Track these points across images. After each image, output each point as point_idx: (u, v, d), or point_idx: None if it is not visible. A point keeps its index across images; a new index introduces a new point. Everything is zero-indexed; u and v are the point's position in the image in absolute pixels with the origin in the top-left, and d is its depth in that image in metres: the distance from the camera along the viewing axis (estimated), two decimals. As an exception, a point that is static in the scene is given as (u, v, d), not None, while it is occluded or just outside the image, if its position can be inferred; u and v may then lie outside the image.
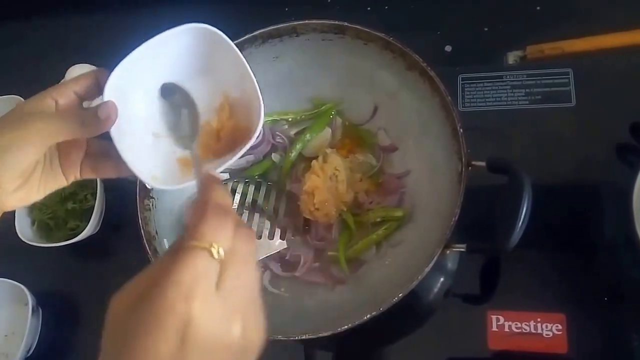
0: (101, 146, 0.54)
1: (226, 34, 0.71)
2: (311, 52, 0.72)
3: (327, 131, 0.75)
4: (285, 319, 0.65)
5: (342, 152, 0.73)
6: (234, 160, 0.50)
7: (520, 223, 0.53)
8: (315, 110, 0.75)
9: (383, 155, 0.72)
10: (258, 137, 0.76)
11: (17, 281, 0.80)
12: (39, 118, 0.49)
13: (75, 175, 0.55)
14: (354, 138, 0.74)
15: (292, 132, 0.77)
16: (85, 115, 0.49)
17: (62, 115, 0.50)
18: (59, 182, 0.54)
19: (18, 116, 0.49)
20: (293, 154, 0.74)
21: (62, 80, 0.89)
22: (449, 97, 0.62)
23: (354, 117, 0.75)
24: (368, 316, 0.56)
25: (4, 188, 0.49)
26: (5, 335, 0.83)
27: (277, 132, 0.77)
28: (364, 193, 0.71)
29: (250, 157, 0.76)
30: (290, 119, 0.77)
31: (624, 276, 0.67)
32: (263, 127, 0.75)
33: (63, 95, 0.50)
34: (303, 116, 0.76)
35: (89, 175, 0.55)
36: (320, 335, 0.57)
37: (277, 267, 0.70)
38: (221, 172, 0.75)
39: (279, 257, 0.71)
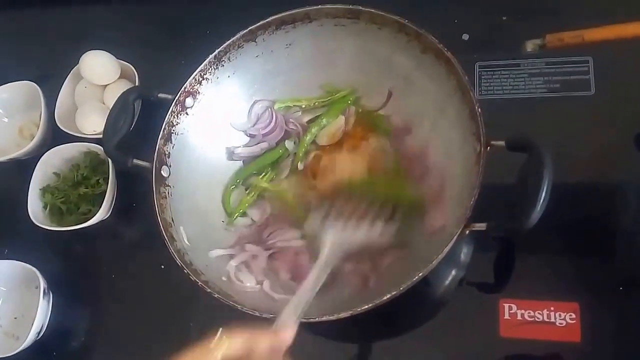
0: None
1: (240, 21, 0.72)
2: (325, 37, 0.72)
3: (341, 119, 0.74)
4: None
5: (354, 140, 0.73)
6: None
7: (542, 200, 0.52)
8: (329, 98, 0.75)
9: (398, 139, 0.71)
10: (271, 123, 0.76)
11: (28, 264, 0.80)
12: None
13: None
14: (367, 125, 0.74)
15: (305, 119, 0.76)
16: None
17: None
18: None
19: None
20: (308, 138, 0.74)
21: (77, 66, 0.89)
22: (466, 77, 0.61)
23: (368, 103, 0.75)
24: (388, 296, 0.55)
25: None
26: (15, 318, 0.83)
27: (290, 119, 0.76)
28: None
29: (264, 145, 0.76)
30: (304, 106, 0.76)
31: (640, 266, 0.66)
32: (276, 113, 0.76)
33: None
34: (317, 103, 0.76)
35: None
36: (340, 316, 0.56)
37: None
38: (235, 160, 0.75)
39: None
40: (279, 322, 0.48)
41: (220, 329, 0.45)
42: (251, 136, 0.77)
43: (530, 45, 0.72)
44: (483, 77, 0.77)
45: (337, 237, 0.61)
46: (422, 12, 0.84)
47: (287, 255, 0.69)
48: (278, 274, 0.69)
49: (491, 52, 0.79)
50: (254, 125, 0.76)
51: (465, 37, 0.81)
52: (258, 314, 0.58)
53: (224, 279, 0.66)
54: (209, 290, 0.61)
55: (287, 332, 0.46)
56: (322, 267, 0.57)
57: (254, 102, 0.77)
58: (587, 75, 0.74)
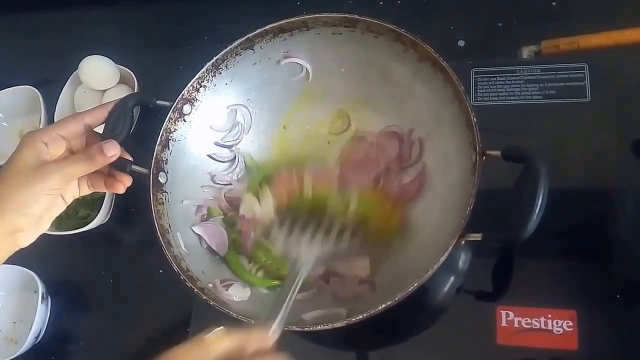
0: None
1: (238, 29, 0.72)
2: (321, 46, 0.72)
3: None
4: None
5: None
6: None
7: (537, 210, 0.52)
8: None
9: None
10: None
11: (27, 268, 0.81)
12: (54, 169, 0.55)
13: (74, 195, 0.61)
14: None
15: None
16: (91, 153, 0.57)
17: (73, 159, 0.57)
18: (61, 207, 0.60)
19: (28, 170, 0.55)
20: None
21: (77, 71, 0.90)
22: (462, 87, 0.61)
23: (365, 119, 0.75)
24: (383, 306, 0.55)
25: (25, 232, 0.57)
26: (14, 322, 0.83)
27: None
28: None
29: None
30: None
31: (638, 274, 0.65)
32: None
33: (51, 139, 0.57)
34: None
35: (86, 191, 0.62)
36: (335, 325, 0.56)
37: None
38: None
39: None
40: (260, 325, 0.51)
41: (220, 327, 0.47)
42: (224, 146, 0.76)
43: (526, 52, 0.73)
44: (479, 83, 0.77)
45: (305, 250, 0.61)
46: (418, 19, 0.85)
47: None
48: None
49: (487, 58, 0.79)
50: (230, 131, 0.75)
51: (461, 43, 0.81)
52: (252, 322, 0.58)
53: (210, 285, 0.66)
54: (204, 297, 0.61)
55: (267, 333, 0.50)
56: (295, 280, 0.56)
57: (232, 105, 0.75)
58: (582, 82, 0.74)
